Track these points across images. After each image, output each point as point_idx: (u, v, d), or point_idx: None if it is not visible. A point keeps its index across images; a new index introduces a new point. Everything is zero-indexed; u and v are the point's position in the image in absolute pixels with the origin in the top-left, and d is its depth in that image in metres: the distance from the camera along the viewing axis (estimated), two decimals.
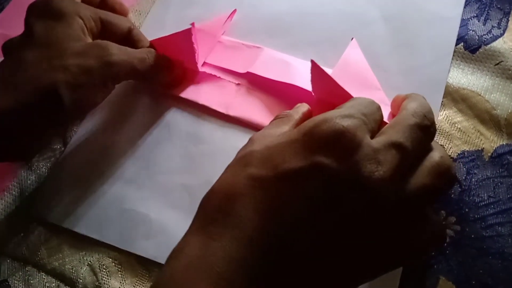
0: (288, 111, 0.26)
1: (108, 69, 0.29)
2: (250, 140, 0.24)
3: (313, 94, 0.32)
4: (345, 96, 0.27)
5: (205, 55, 0.36)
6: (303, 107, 0.27)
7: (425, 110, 0.23)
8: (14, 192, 0.32)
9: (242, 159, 0.22)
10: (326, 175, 0.20)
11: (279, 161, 0.21)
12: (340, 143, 0.20)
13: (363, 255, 0.20)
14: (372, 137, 0.21)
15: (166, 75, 0.34)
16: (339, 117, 0.21)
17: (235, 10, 0.37)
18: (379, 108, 0.23)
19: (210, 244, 0.20)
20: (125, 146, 0.33)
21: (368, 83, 0.32)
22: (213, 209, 0.21)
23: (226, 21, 0.37)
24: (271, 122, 0.26)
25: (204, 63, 0.36)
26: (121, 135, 0.33)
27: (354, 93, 0.29)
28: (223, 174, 0.22)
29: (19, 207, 0.32)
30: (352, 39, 0.34)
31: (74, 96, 0.28)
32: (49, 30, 0.29)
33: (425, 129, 0.22)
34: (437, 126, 0.30)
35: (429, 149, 0.22)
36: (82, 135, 0.34)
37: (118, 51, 0.30)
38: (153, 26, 0.38)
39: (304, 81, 0.33)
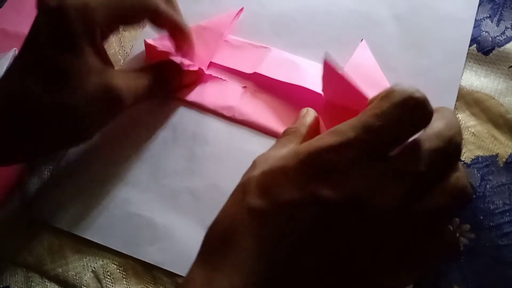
0: (295, 125, 0.26)
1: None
2: (253, 163, 0.23)
3: (322, 95, 0.31)
4: (359, 99, 0.27)
5: (211, 55, 0.35)
6: (309, 117, 0.26)
7: (452, 131, 0.20)
8: (16, 197, 0.31)
9: (242, 186, 0.22)
10: (323, 205, 0.19)
11: (276, 190, 0.21)
12: (335, 174, 0.19)
13: (366, 281, 0.20)
14: (382, 153, 0.20)
15: (171, 84, 0.33)
16: (336, 147, 0.20)
17: (242, 9, 0.37)
18: (414, 125, 0.20)
19: (214, 274, 0.20)
20: (130, 148, 0.32)
21: (379, 86, 0.31)
22: (216, 240, 0.21)
23: (233, 19, 0.36)
24: (278, 139, 0.25)
25: (210, 63, 0.35)
26: (125, 137, 0.33)
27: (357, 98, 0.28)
28: (226, 202, 0.23)
29: (21, 212, 0.31)
30: (361, 40, 0.33)
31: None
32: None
33: (449, 154, 0.20)
34: None
35: (449, 171, 0.20)
36: None
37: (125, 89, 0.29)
38: None
39: (312, 82, 0.32)
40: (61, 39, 0.26)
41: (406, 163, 0.19)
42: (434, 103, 0.30)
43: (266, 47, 0.35)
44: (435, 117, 0.20)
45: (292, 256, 0.20)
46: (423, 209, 0.19)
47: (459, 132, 0.20)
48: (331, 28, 0.35)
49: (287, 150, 0.23)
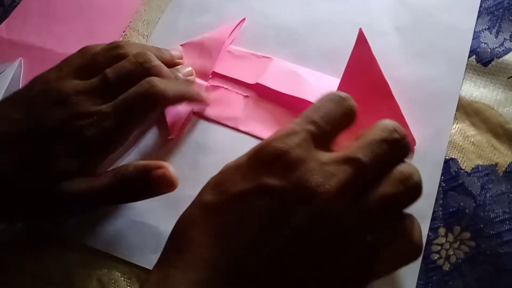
0: None
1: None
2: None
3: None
4: (381, 80, 0.30)
5: (213, 64, 0.35)
6: None
7: (396, 125, 0.23)
8: None
9: (202, 189, 0.24)
10: (271, 194, 0.21)
11: (228, 185, 0.22)
12: (281, 162, 0.21)
13: (318, 271, 0.20)
14: (325, 143, 0.23)
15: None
16: (282, 137, 0.22)
17: (244, 19, 0.37)
18: (343, 114, 0.23)
19: (170, 272, 0.21)
20: (134, 156, 0.33)
21: (379, 88, 0.31)
22: (173, 240, 0.22)
23: (234, 29, 0.37)
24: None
25: (213, 73, 0.35)
26: (130, 146, 0.33)
27: (364, 100, 0.28)
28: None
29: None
30: (359, 29, 0.33)
31: None
32: None
33: (394, 143, 0.22)
34: (450, 139, 0.30)
35: (394, 162, 0.22)
36: None
37: None
38: (163, 34, 0.38)
39: (313, 94, 0.32)
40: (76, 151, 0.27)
41: (349, 151, 0.21)
42: (435, 113, 0.32)
43: (268, 57, 0.35)
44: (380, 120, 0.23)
45: (245, 247, 0.20)
46: (371, 200, 0.21)
47: (401, 127, 0.23)
48: (334, 39, 0.36)
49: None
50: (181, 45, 0.37)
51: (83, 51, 0.31)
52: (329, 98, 0.23)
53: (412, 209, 0.27)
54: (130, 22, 0.40)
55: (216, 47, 0.35)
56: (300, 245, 0.20)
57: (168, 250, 0.22)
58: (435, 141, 0.30)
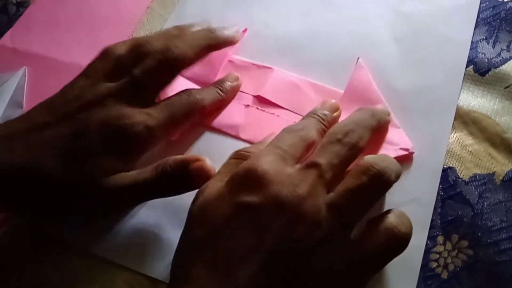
0: (249, 149, 0.28)
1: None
2: (196, 194, 0.26)
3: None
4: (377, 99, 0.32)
5: (215, 74, 0.36)
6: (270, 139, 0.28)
7: (350, 126, 0.26)
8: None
9: (186, 221, 0.25)
10: (251, 210, 0.23)
11: (212, 215, 0.24)
12: (254, 180, 0.24)
13: (309, 272, 0.22)
14: (293, 161, 0.25)
15: None
16: (253, 159, 0.25)
17: (246, 29, 0.38)
18: (304, 147, 0.26)
19: None
20: (138, 166, 0.33)
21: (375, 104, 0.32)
22: (174, 275, 0.24)
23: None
24: (224, 164, 0.28)
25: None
26: None
27: None
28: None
29: (29, 226, 0.32)
30: (358, 59, 0.34)
31: None
32: None
33: (348, 145, 0.26)
34: (448, 148, 0.31)
35: (352, 160, 0.26)
36: None
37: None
38: None
39: (312, 106, 0.33)
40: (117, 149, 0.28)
41: (309, 159, 0.25)
42: (433, 122, 0.32)
43: (269, 68, 0.36)
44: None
45: (239, 262, 0.22)
46: (336, 194, 0.24)
47: (357, 126, 0.27)
48: (333, 49, 0.36)
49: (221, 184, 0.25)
50: None
51: (105, 53, 0.31)
52: (287, 131, 0.27)
53: (411, 217, 0.28)
54: (133, 31, 0.40)
55: (219, 58, 0.36)
56: (285, 249, 0.22)
57: (172, 284, 0.24)
58: (434, 150, 0.31)
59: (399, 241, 0.24)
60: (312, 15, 0.38)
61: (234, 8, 0.40)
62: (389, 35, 0.36)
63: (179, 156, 0.29)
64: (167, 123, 0.30)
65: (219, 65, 0.36)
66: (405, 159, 0.30)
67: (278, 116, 0.34)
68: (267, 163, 0.24)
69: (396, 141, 0.30)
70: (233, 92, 0.35)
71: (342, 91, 0.33)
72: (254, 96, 0.35)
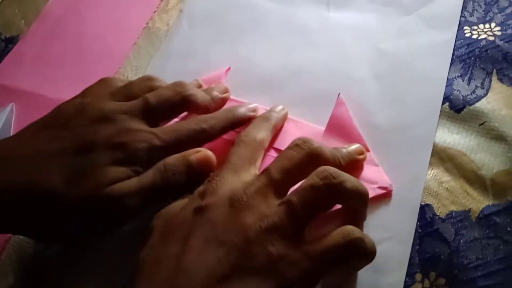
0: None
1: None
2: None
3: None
4: (356, 137, 0.33)
5: None
6: None
7: (329, 169, 0.26)
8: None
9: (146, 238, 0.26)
10: (204, 210, 0.25)
11: (173, 221, 0.26)
12: (210, 191, 0.26)
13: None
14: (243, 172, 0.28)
15: None
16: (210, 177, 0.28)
17: (229, 68, 0.39)
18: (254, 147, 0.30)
19: None
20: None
21: (355, 141, 0.33)
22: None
23: (221, 79, 0.38)
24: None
25: None
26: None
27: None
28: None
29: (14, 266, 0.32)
30: (339, 94, 0.35)
31: None
32: None
33: (298, 147, 0.27)
34: (425, 185, 0.31)
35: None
36: None
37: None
38: None
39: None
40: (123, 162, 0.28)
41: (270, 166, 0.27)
42: (411, 159, 0.33)
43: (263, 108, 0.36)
44: None
45: (194, 259, 0.23)
46: (289, 195, 0.25)
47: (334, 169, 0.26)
48: (315, 86, 0.37)
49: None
50: None
51: (106, 80, 0.33)
52: (237, 144, 0.30)
53: (390, 255, 0.28)
54: (120, 67, 0.41)
55: None
56: (234, 235, 0.24)
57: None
58: (412, 187, 0.31)
59: (353, 244, 0.24)
60: (294, 52, 0.39)
61: (219, 45, 0.41)
62: (368, 72, 0.37)
63: (176, 154, 0.29)
64: (173, 146, 0.30)
65: None
66: (384, 197, 0.31)
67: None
68: (222, 178, 0.27)
69: (374, 179, 0.31)
70: (222, 102, 0.35)
71: (323, 128, 0.34)
72: (236, 132, 0.35)
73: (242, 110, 0.34)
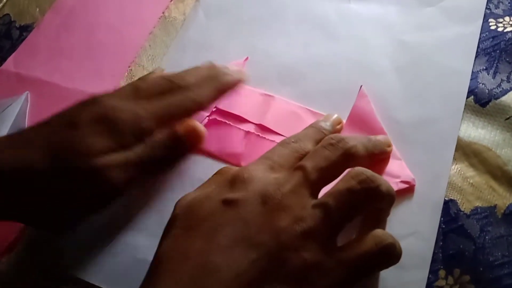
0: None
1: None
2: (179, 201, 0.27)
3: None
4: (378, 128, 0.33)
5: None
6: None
7: (366, 172, 0.25)
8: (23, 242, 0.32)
9: (168, 222, 0.25)
10: (234, 204, 0.24)
11: (194, 214, 0.24)
12: (240, 182, 0.25)
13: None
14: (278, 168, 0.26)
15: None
16: (241, 168, 0.26)
17: (247, 58, 0.38)
18: (296, 158, 0.27)
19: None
20: (139, 195, 0.33)
21: (377, 133, 0.33)
22: (151, 269, 0.24)
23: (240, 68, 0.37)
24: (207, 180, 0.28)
25: (216, 109, 0.36)
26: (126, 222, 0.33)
27: None
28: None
29: (29, 257, 0.31)
30: (361, 86, 0.35)
31: None
32: None
33: (332, 146, 0.26)
34: (449, 180, 0.31)
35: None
36: None
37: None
38: (169, 69, 0.39)
39: None
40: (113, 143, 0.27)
41: (299, 164, 0.26)
42: (434, 154, 0.32)
43: (271, 96, 0.36)
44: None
45: (222, 257, 0.22)
46: (323, 196, 0.24)
47: (354, 138, 0.27)
48: (334, 78, 0.36)
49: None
50: None
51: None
52: (281, 144, 0.28)
53: (413, 251, 0.28)
54: (136, 57, 0.40)
55: None
56: (268, 239, 0.22)
57: (147, 278, 0.24)
58: (435, 182, 0.31)
59: (387, 251, 0.23)
60: (313, 45, 0.38)
61: (236, 37, 0.40)
62: (390, 65, 0.36)
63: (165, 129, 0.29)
64: (161, 118, 0.29)
65: None
66: (406, 192, 0.30)
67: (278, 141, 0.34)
68: (254, 170, 0.25)
69: (397, 173, 0.30)
70: (237, 83, 0.33)
71: (344, 120, 0.34)
72: (256, 124, 0.35)
73: (228, 77, 0.32)
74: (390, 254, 0.23)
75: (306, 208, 0.23)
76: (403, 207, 0.30)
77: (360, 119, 0.33)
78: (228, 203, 0.24)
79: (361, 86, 0.35)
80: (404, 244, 0.26)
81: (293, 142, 0.28)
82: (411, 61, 0.36)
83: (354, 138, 0.27)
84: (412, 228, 0.29)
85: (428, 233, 0.29)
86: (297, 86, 0.36)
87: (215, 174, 0.28)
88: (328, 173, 0.25)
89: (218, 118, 0.35)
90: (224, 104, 0.36)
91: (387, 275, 0.28)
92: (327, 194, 0.24)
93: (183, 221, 0.25)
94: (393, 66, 0.36)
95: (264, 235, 0.22)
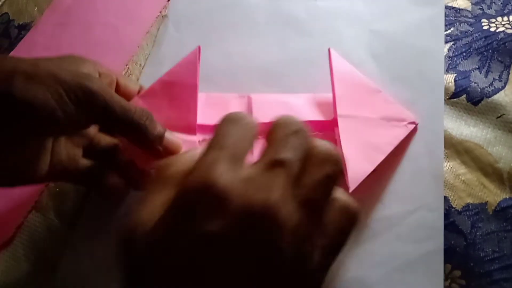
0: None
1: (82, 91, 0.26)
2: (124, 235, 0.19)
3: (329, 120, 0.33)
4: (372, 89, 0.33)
5: (196, 115, 0.31)
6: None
7: (291, 119, 0.22)
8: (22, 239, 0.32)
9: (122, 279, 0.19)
10: (220, 239, 0.18)
11: (161, 266, 0.18)
12: (213, 199, 0.18)
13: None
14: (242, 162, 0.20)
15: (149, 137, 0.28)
16: (201, 172, 0.19)
17: (199, 47, 0.33)
18: (250, 138, 0.21)
19: None
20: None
21: (367, 88, 0.34)
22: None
23: (198, 64, 0.32)
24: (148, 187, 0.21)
25: (199, 126, 0.31)
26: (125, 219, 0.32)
27: (360, 101, 0.32)
28: None
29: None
30: (329, 49, 0.34)
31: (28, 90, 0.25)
32: None
33: (298, 133, 0.21)
34: None
35: (310, 146, 0.21)
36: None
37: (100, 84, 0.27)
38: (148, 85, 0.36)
39: (309, 114, 0.33)
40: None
41: (271, 155, 0.20)
42: (424, 129, 0.33)
43: (247, 96, 0.35)
44: (275, 121, 0.22)
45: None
46: (306, 190, 0.20)
47: (296, 120, 0.22)
48: (314, 73, 0.37)
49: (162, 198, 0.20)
50: (140, 95, 0.31)
51: None
52: (228, 122, 0.22)
53: (424, 223, 0.30)
54: (133, 55, 0.41)
55: (191, 94, 0.31)
56: (273, 268, 0.18)
57: None
58: (431, 155, 0.32)
59: (354, 217, 0.21)
60: (288, 44, 0.39)
61: (210, 45, 0.39)
62: (365, 54, 0.38)
63: None
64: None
65: (194, 104, 0.31)
66: (412, 134, 0.33)
67: None
68: (222, 174, 0.19)
69: (401, 117, 0.32)
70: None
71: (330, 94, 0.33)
72: None
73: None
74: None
75: (297, 212, 0.19)
76: (406, 183, 0.31)
77: (346, 81, 0.33)
78: (209, 240, 0.18)
79: (329, 49, 0.34)
80: (414, 218, 0.29)
81: (242, 118, 0.22)
82: (385, 48, 0.38)
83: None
84: (419, 202, 0.30)
85: (435, 204, 0.30)
86: (278, 85, 0.37)
87: (155, 179, 0.21)
88: (303, 162, 0.21)
89: (207, 137, 0.32)
90: (203, 116, 0.32)
91: (405, 249, 0.29)
92: (310, 188, 0.20)
93: (148, 274, 0.18)
94: (369, 55, 0.38)
95: (267, 267, 0.18)
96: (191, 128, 0.30)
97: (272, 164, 0.20)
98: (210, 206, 0.18)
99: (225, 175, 0.19)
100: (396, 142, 0.32)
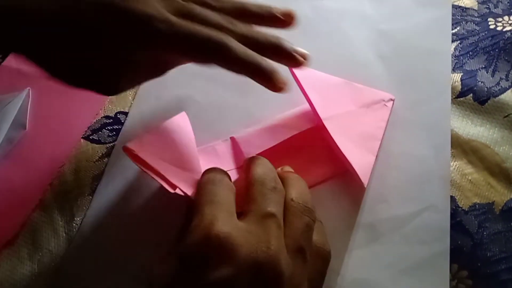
0: None
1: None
2: None
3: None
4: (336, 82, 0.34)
5: (196, 167, 0.30)
6: None
7: (271, 173, 0.26)
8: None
9: None
10: (227, 284, 0.21)
11: None
12: (219, 249, 0.21)
13: None
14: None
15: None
16: (204, 223, 0.22)
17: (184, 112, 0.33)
18: (228, 192, 0.25)
19: None
20: (145, 230, 0.31)
21: (336, 84, 0.34)
22: None
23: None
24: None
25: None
26: (129, 218, 0.32)
27: (335, 98, 0.33)
28: None
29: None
30: (290, 69, 0.32)
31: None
32: None
33: (276, 189, 0.25)
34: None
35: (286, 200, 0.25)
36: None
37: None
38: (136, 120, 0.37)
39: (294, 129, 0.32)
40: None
41: (261, 209, 0.24)
42: (431, 130, 0.33)
43: (229, 139, 0.34)
44: (253, 167, 0.26)
45: None
46: (293, 240, 0.23)
47: (274, 172, 0.26)
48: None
49: None
50: (137, 162, 0.29)
51: None
52: (212, 183, 0.25)
53: (430, 225, 0.29)
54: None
55: (188, 145, 0.31)
56: None
57: None
58: (438, 156, 0.32)
59: (327, 258, 0.25)
60: (295, 44, 0.38)
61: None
62: (373, 54, 0.38)
63: None
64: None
65: (195, 156, 0.30)
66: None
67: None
68: (224, 225, 0.22)
69: (378, 98, 0.33)
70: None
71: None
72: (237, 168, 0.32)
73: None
74: None
75: (292, 261, 0.23)
76: (412, 184, 0.31)
77: (315, 86, 0.32)
78: (216, 287, 0.21)
79: (290, 69, 0.32)
80: (421, 220, 0.29)
81: (220, 180, 0.26)
82: (393, 48, 0.37)
83: (272, 171, 0.27)
84: (425, 203, 0.30)
85: (441, 205, 0.30)
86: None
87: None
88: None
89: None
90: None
91: (412, 251, 0.29)
92: (297, 237, 0.23)
93: None
94: (376, 55, 0.37)
95: None
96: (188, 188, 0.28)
97: (263, 216, 0.23)
98: (219, 254, 0.21)
99: (227, 225, 0.22)
100: (384, 124, 0.32)
